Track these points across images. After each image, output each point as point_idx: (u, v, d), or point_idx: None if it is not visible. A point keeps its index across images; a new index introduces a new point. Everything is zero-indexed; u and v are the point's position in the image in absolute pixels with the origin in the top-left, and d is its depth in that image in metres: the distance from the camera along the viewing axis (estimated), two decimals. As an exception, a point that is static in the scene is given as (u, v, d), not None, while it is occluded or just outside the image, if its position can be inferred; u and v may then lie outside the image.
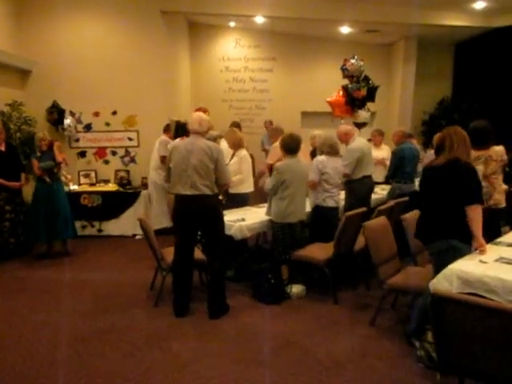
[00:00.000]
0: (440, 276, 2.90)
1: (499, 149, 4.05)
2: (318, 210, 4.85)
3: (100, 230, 7.04)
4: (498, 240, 3.51)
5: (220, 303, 4.07)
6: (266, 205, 5.18)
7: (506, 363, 2.16)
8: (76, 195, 6.85)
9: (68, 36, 7.21)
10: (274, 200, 4.56)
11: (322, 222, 4.83)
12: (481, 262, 2.93)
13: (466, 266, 2.87)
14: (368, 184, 5.43)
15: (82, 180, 7.36)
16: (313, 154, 5.89)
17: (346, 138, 5.47)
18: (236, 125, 6.64)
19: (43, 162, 5.72)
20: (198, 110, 7.46)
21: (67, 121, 7.10)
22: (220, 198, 5.08)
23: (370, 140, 6.92)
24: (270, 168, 4.89)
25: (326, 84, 8.14)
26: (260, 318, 4.03)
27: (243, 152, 5.40)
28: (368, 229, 3.76)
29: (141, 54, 7.28)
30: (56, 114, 7.04)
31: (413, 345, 3.31)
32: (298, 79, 9.63)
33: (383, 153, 6.93)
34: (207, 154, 3.90)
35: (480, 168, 3.90)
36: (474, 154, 3.92)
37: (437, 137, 5.80)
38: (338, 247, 4.35)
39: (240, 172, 5.29)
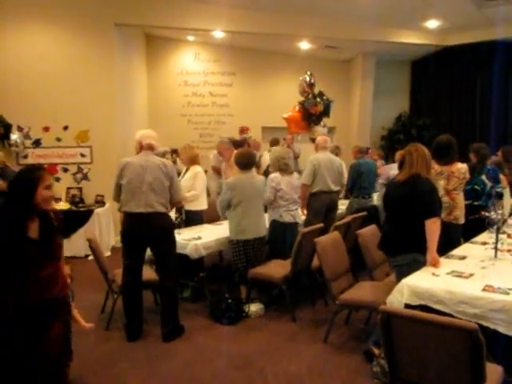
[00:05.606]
0: (394, 290, 2.93)
1: (462, 166, 4.07)
2: (274, 225, 4.78)
3: (49, 251, 6.67)
4: (451, 253, 3.55)
5: (174, 325, 3.90)
6: (222, 222, 5.11)
7: (447, 376, 2.15)
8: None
9: (16, 47, 6.88)
10: (228, 216, 4.49)
11: (279, 237, 4.75)
12: (433, 275, 2.99)
13: (418, 279, 2.93)
14: (323, 199, 5.34)
15: (31, 198, 6.99)
16: (265, 173, 5.90)
17: (316, 149, 5.56)
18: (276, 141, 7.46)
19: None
20: (243, 128, 7.44)
21: (14, 136, 6.75)
22: (174, 215, 4.94)
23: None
24: None
25: (285, 99, 8.13)
26: (216, 338, 3.90)
27: (198, 168, 5.24)
28: (319, 244, 3.72)
29: (94, 66, 7.04)
30: (2, 129, 6.67)
31: (372, 354, 3.24)
32: (258, 94, 9.62)
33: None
34: (162, 170, 3.79)
35: (441, 183, 3.95)
36: (437, 168, 3.97)
37: (399, 153, 5.93)
38: (295, 264, 4.27)
39: (194, 188, 5.09)
